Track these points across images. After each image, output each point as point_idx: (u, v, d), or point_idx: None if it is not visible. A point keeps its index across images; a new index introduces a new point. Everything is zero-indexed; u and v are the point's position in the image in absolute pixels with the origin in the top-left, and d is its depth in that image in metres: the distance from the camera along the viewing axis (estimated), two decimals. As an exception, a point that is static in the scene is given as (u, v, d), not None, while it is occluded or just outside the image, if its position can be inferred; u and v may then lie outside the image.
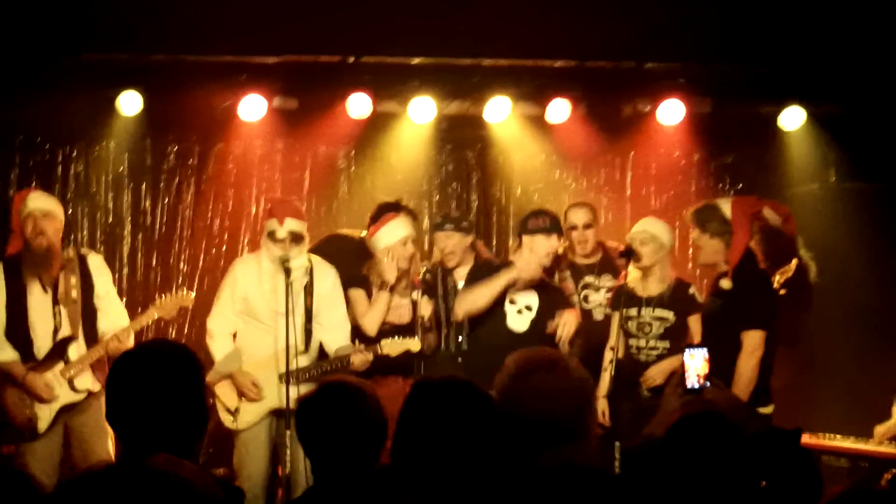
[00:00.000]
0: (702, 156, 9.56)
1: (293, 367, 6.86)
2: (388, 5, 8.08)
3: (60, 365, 6.83)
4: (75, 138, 9.23)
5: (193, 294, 7.51)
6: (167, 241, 9.42)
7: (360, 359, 6.97)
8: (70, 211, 9.02)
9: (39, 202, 6.97)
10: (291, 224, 7.08)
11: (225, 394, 7.03)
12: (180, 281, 9.31)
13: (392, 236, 7.32)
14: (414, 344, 7.06)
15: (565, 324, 7.09)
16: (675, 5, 8.10)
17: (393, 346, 7.03)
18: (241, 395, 7.05)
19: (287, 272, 6.84)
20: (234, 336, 7.20)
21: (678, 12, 8.01)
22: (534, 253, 7.12)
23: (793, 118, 8.96)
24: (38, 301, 6.84)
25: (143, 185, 9.38)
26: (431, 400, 3.03)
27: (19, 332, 6.81)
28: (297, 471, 6.87)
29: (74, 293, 6.84)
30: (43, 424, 6.78)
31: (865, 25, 8.05)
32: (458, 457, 2.89)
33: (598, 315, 7.64)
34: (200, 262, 9.39)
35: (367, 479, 3.40)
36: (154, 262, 9.29)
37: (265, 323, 7.10)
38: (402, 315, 7.31)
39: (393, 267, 7.20)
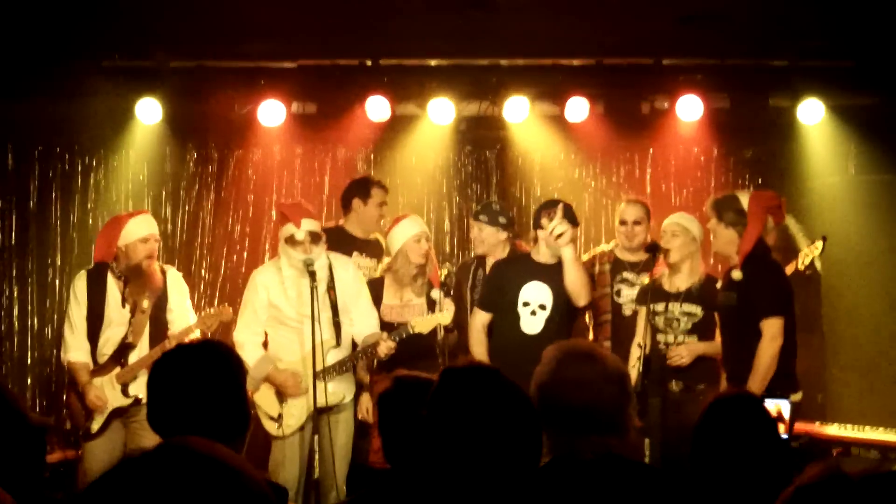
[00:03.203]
0: (721, 151, 9.54)
1: (326, 363, 6.87)
2: (405, 8, 8.08)
3: (117, 369, 7.06)
4: (95, 147, 9.27)
5: (231, 308, 7.42)
6: (188, 248, 9.44)
7: (385, 347, 6.93)
8: (91, 221, 9.07)
9: (153, 228, 7.21)
10: (308, 224, 7.06)
11: (265, 401, 7.00)
12: (202, 289, 9.32)
13: (405, 234, 7.34)
14: (444, 317, 7.01)
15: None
16: (693, 1, 8.10)
17: (423, 323, 6.98)
18: (281, 398, 7.01)
19: (312, 275, 6.81)
20: (265, 345, 7.16)
21: (695, 8, 8.02)
22: (549, 246, 7.11)
23: (811, 112, 8.93)
24: (116, 314, 7.08)
25: (163, 193, 9.41)
26: (461, 387, 2.97)
27: (92, 339, 7.08)
28: (327, 474, 6.87)
29: (146, 304, 7.07)
30: (95, 426, 7.01)
31: (882, 16, 8.03)
32: (493, 447, 2.85)
33: (628, 311, 7.59)
34: (222, 270, 9.40)
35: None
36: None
37: (294, 326, 7.07)
38: (417, 314, 7.26)
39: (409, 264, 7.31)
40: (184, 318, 7.23)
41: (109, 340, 7.07)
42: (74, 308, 7.13)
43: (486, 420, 2.85)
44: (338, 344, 7.05)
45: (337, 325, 7.04)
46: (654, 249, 7.12)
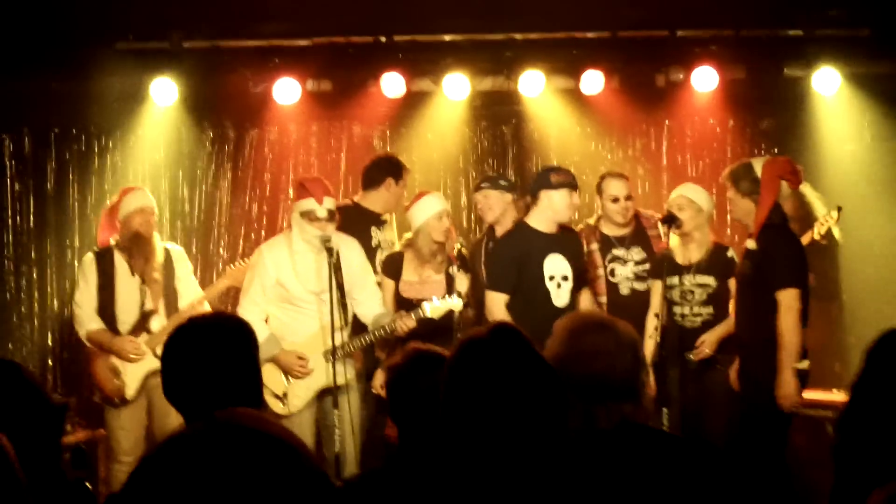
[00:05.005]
0: (737, 122, 9.51)
1: (334, 343, 6.83)
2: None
3: (145, 336, 7.38)
4: (111, 129, 9.30)
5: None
6: (206, 228, 9.48)
7: (403, 326, 6.93)
8: (108, 202, 9.09)
9: (147, 200, 7.56)
10: (329, 202, 7.06)
11: (270, 380, 6.96)
12: (220, 267, 9.34)
13: (427, 211, 7.33)
14: (456, 305, 6.96)
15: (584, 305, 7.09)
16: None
17: (435, 309, 6.94)
18: (287, 376, 7.02)
19: (329, 251, 6.79)
20: (266, 321, 7.13)
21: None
22: (554, 210, 7.06)
23: (827, 81, 8.87)
24: (127, 284, 7.42)
25: (180, 173, 9.44)
26: (481, 354, 2.95)
27: (108, 313, 7.41)
28: (345, 450, 6.88)
29: (157, 274, 7.44)
30: (131, 391, 7.34)
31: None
32: (517, 415, 2.85)
33: (625, 289, 7.52)
34: (240, 249, 9.43)
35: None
36: (193, 250, 9.31)
37: (302, 306, 7.08)
38: (436, 291, 7.23)
39: (430, 242, 7.26)
40: (192, 287, 7.63)
41: (127, 310, 7.40)
42: (82, 285, 7.48)
43: (509, 389, 2.84)
44: (345, 324, 7.02)
45: (344, 307, 6.95)
46: (670, 221, 7.10)
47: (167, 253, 7.57)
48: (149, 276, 7.41)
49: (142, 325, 7.40)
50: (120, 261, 7.43)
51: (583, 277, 7.27)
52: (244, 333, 3.34)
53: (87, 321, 7.40)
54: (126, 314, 7.40)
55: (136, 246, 7.40)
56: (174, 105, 8.90)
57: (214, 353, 3.22)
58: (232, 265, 7.73)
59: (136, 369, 7.32)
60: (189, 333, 3.30)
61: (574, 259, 7.14)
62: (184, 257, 7.74)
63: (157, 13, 8.31)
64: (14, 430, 3.06)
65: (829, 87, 8.89)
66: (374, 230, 7.79)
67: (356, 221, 7.60)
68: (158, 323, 7.41)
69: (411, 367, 3.72)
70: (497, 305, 7.01)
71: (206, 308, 7.50)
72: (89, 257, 7.54)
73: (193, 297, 7.56)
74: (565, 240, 7.16)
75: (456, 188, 9.56)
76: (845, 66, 8.80)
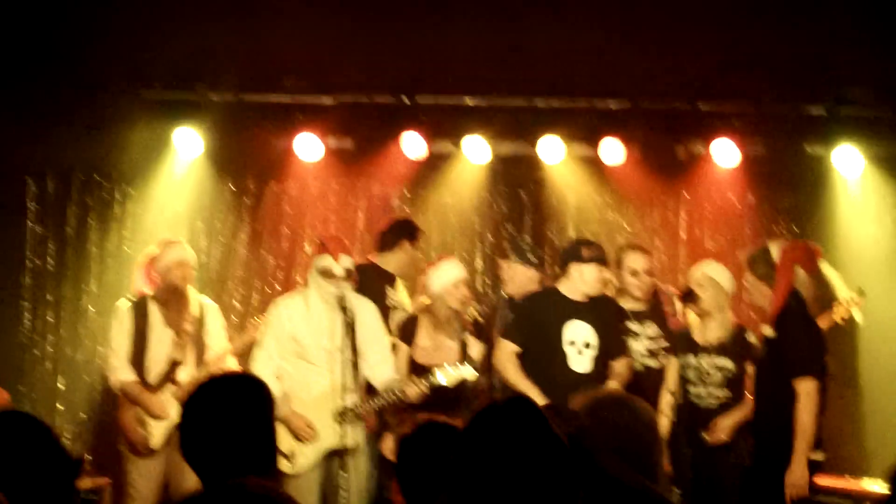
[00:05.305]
0: (756, 198, 9.44)
1: (345, 404, 6.78)
2: (443, 46, 8.15)
3: (172, 387, 7.43)
4: (133, 176, 9.31)
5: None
6: (221, 279, 9.46)
7: (415, 391, 6.87)
8: (127, 250, 9.14)
9: (186, 254, 7.65)
10: (346, 261, 7.06)
11: (278, 438, 6.89)
12: (233, 319, 9.31)
13: (445, 278, 7.32)
14: (469, 374, 6.92)
15: (618, 375, 7.05)
16: (730, 46, 8.13)
17: (448, 377, 6.87)
18: (295, 437, 6.99)
19: (344, 310, 6.78)
20: (278, 378, 7.07)
21: (733, 53, 8.05)
22: (584, 283, 7.06)
23: (849, 160, 8.86)
24: (160, 334, 7.49)
25: (199, 224, 9.44)
26: (495, 428, 2.90)
27: (138, 362, 7.46)
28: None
29: (188, 326, 7.51)
30: (156, 441, 7.39)
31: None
32: (529, 492, 2.80)
33: (637, 365, 7.39)
34: (253, 302, 9.41)
35: None
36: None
37: (314, 363, 7.04)
38: (449, 356, 7.20)
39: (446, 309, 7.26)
40: (220, 341, 7.63)
41: (157, 360, 7.44)
42: (117, 332, 7.52)
43: (522, 464, 2.79)
44: (357, 385, 6.95)
45: (355, 367, 6.84)
46: (688, 298, 7.05)
47: (201, 307, 7.64)
48: (181, 328, 7.48)
49: (169, 375, 7.44)
50: (154, 311, 7.51)
51: (617, 347, 7.20)
52: (262, 396, 3.34)
53: (120, 370, 7.46)
54: (155, 364, 7.44)
55: (173, 298, 7.50)
56: (196, 155, 8.97)
57: (232, 415, 3.22)
58: (257, 319, 7.64)
59: (163, 420, 7.36)
60: (208, 393, 3.30)
61: (602, 328, 7.08)
62: (216, 312, 7.76)
63: (183, 64, 8.40)
64: (30, 485, 3.05)
65: (851, 166, 8.88)
66: (388, 290, 7.81)
67: (372, 281, 7.64)
68: (187, 374, 7.43)
69: (421, 438, 3.70)
70: (505, 353, 7.09)
71: (232, 361, 7.61)
72: (125, 305, 7.57)
73: (220, 350, 7.58)
74: (595, 308, 7.12)
75: (471, 251, 9.55)
76: (868, 146, 8.79)
